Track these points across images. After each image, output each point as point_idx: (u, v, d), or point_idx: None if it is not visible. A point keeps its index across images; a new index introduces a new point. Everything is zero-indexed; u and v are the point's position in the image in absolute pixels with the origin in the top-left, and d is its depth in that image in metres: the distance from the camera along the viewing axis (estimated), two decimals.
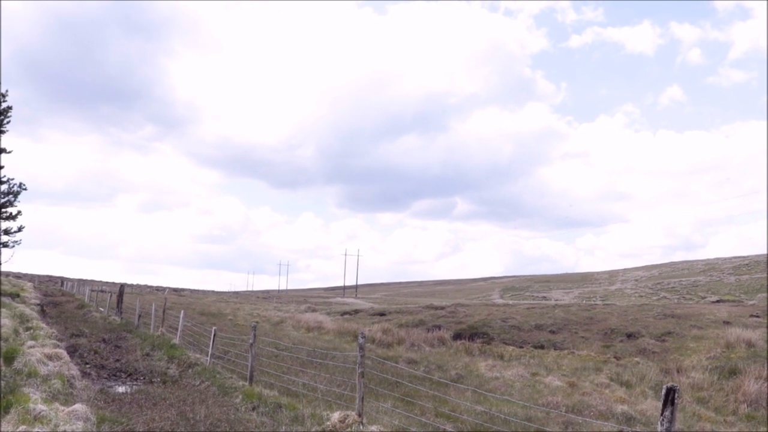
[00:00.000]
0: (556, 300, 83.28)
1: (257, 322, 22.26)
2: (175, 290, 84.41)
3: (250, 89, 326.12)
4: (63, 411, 7.12)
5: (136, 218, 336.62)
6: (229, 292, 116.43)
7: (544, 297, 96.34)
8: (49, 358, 10.66)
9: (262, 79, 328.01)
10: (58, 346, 13.03)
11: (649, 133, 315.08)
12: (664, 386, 4.36)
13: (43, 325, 16.95)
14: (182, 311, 18.18)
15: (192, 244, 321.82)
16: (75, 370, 10.68)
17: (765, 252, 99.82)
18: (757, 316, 25.82)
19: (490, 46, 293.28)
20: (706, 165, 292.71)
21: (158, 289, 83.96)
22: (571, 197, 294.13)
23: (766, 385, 14.31)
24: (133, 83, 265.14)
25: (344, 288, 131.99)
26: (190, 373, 12.20)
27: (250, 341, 11.24)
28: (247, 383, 10.75)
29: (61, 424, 6.57)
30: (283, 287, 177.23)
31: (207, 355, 13.24)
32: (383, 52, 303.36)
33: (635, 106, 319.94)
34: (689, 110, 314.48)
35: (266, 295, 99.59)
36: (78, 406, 7.42)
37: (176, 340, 16.13)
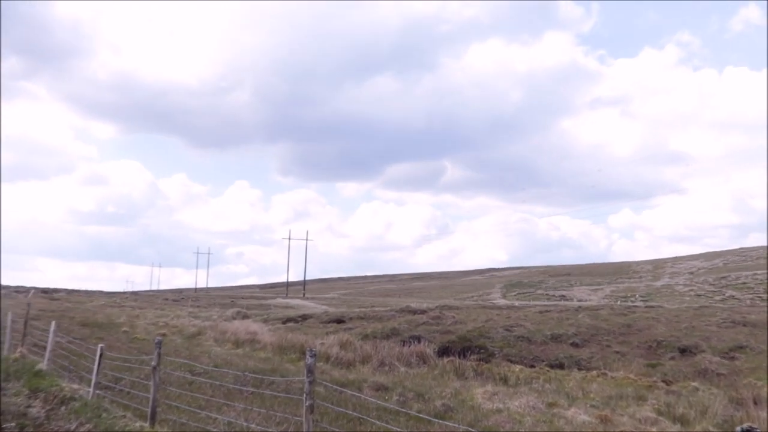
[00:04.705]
0: (580, 300, 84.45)
1: (164, 335, 22.87)
2: (45, 291, 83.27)
3: (163, 10, 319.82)
4: None
5: None
6: (125, 293, 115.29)
7: (564, 296, 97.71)
8: None
9: None
10: None
11: (713, 72, 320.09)
12: (739, 428, 4.33)
13: None
14: (53, 322, 17.94)
15: (74, 225, 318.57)
16: None
17: None
18: None
19: None
20: None
21: (18, 290, 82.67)
22: (602, 159, 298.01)
23: None
24: None
25: (288, 285, 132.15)
26: (62, 412, 11.91)
27: (153, 363, 11.34)
28: (147, 424, 10.79)
29: None
30: (202, 285, 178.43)
31: (89, 385, 13.28)
32: None
33: (694, 35, 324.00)
34: None
35: (179, 296, 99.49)
36: None
37: (43, 365, 15.95)
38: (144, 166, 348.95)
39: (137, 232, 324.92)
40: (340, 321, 37.65)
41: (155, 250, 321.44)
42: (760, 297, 74.49)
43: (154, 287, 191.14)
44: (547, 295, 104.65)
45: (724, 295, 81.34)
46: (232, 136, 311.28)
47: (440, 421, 12.57)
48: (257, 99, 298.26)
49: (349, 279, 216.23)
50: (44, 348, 17.21)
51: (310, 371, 8.41)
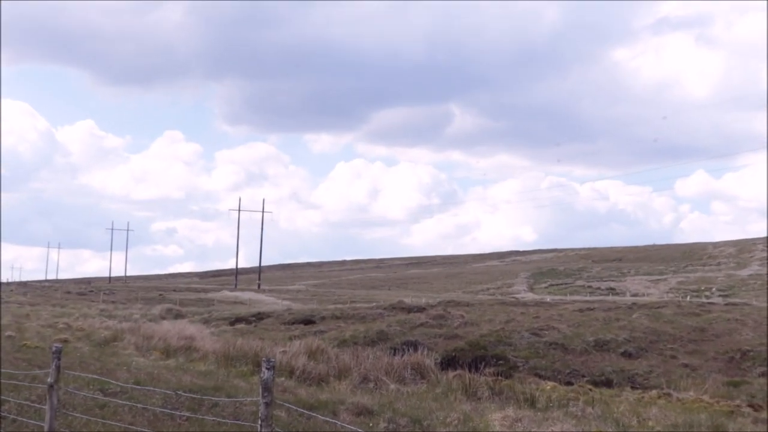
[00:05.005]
0: (635, 295, 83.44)
1: (65, 342, 23.14)
2: None
3: None
4: None
5: None
6: (10, 284, 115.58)
7: (612, 289, 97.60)
8: None
9: None
10: None
11: None
12: None
13: None
14: None
15: None
16: None
17: None
18: None
19: None
20: None
21: None
22: (668, 103, 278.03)
23: None
24: None
25: (237, 273, 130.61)
26: None
27: (50, 380, 11.31)
28: None
29: None
30: (119, 272, 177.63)
31: None
32: None
33: None
34: None
35: (86, 288, 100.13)
36: None
37: None
38: (35, 109, 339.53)
39: (26, 199, 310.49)
40: (308, 321, 37.65)
41: (52, 225, 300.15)
42: None
43: (51, 276, 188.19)
44: (589, 287, 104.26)
45: None
46: (160, 70, 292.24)
47: None
48: (194, 18, 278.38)
49: (320, 265, 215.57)
50: None
51: (268, 389, 8.07)
